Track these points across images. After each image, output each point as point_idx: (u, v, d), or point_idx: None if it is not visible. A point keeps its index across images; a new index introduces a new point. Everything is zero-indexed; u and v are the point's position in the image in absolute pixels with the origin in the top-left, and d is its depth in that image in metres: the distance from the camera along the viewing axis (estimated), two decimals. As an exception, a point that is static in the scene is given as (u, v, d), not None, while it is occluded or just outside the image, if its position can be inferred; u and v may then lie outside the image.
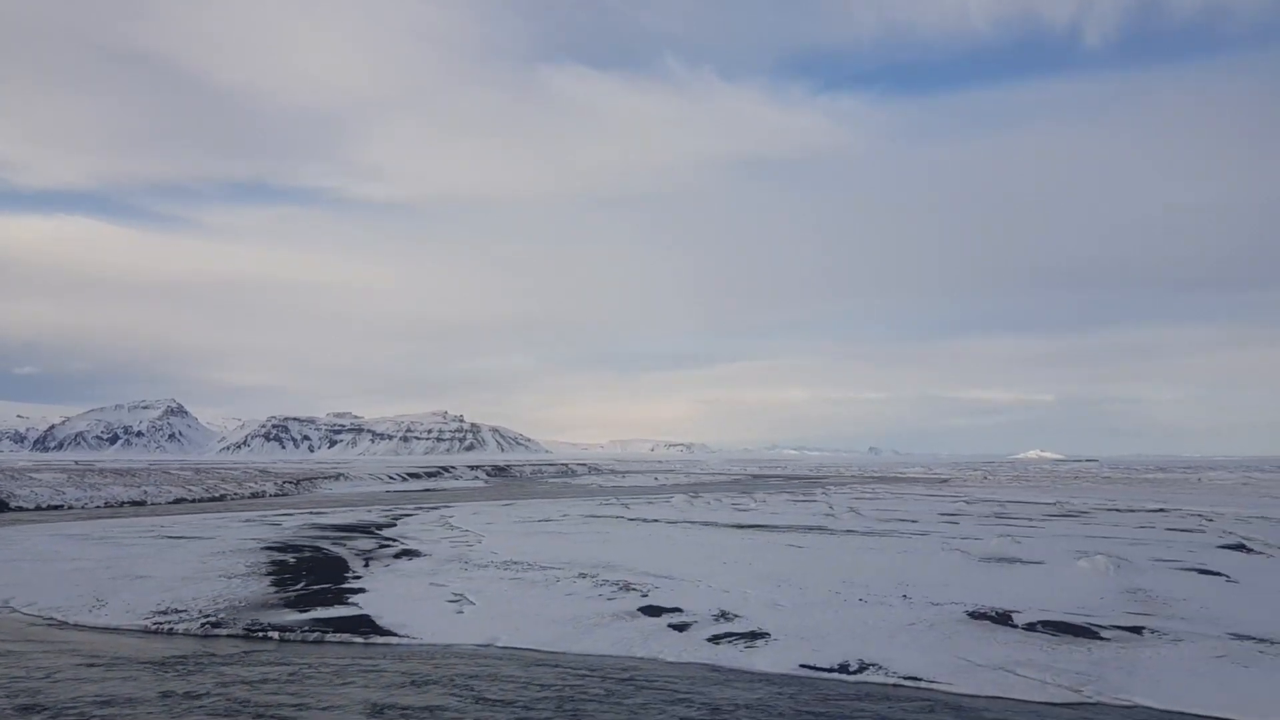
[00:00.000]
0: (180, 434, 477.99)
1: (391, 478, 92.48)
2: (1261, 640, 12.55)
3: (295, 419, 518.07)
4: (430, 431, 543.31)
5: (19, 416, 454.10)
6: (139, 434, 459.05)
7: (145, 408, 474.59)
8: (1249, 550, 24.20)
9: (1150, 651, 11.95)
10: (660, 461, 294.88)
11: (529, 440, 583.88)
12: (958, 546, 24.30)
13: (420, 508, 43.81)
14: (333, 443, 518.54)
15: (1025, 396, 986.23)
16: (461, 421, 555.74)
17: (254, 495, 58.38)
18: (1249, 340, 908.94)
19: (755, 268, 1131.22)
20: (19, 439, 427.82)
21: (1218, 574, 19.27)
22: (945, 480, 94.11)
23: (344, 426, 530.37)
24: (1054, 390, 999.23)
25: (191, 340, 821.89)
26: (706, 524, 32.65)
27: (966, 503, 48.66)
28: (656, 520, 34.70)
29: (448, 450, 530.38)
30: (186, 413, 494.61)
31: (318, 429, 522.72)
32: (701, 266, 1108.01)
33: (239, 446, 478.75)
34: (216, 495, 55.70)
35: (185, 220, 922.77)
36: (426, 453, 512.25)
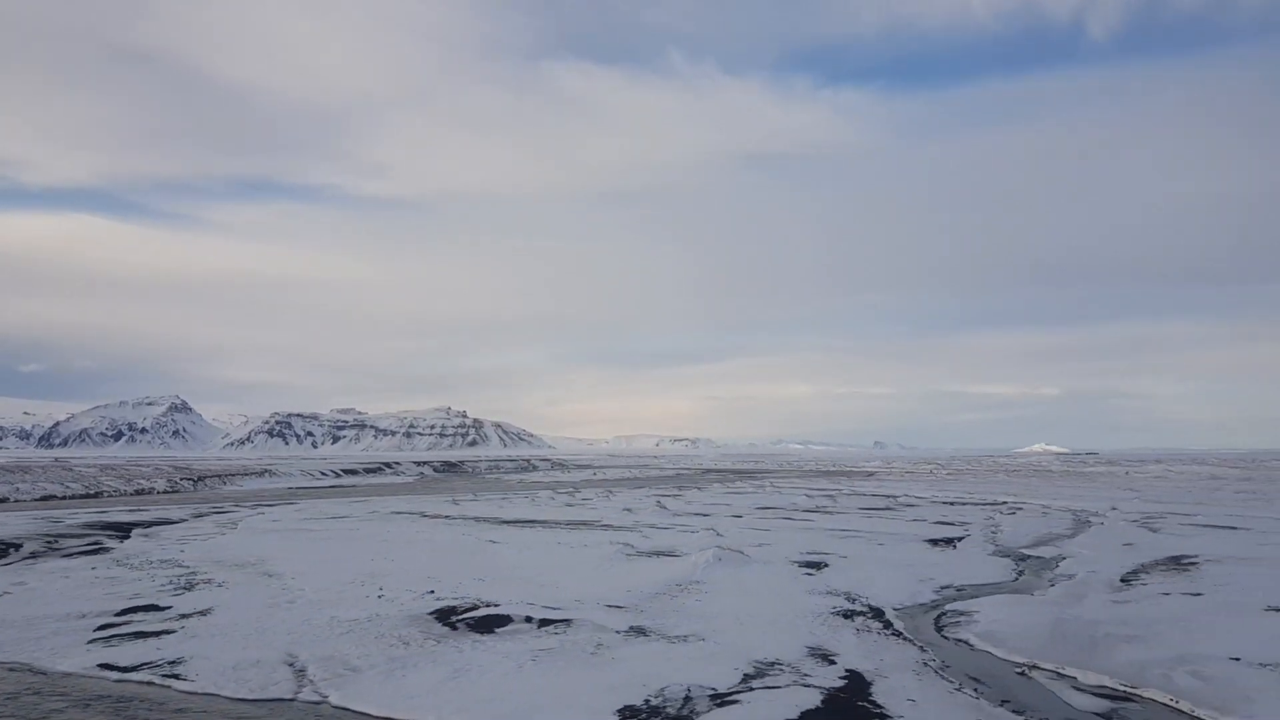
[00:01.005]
0: (184, 430, 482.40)
1: (324, 474, 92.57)
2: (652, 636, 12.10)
3: (298, 415, 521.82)
4: (433, 427, 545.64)
5: (25, 413, 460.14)
6: (143, 430, 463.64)
7: (149, 404, 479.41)
8: (944, 544, 23.49)
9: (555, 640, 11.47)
10: (655, 457, 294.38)
11: (532, 436, 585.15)
12: (630, 542, 23.79)
13: (265, 505, 43.68)
14: (336, 438, 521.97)
15: (1030, 391, 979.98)
16: (464, 417, 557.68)
17: (138, 493, 58.45)
18: (1255, 334, 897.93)
19: (760, 263, 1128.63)
20: (25, 435, 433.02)
21: (825, 562, 18.74)
22: (871, 474, 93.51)
23: (347, 422, 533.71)
24: (1059, 384, 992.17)
25: (197, 337, 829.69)
26: (527, 522, 32.40)
27: (829, 499, 48.10)
28: (478, 519, 34.51)
29: (450, 445, 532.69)
30: (191, 409, 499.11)
31: (321, 425, 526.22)
32: (706, 262, 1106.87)
33: (242, 443, 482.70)
34: (92, 492, 55.82)
35: (191, 218, 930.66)
36: (429, 448, 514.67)
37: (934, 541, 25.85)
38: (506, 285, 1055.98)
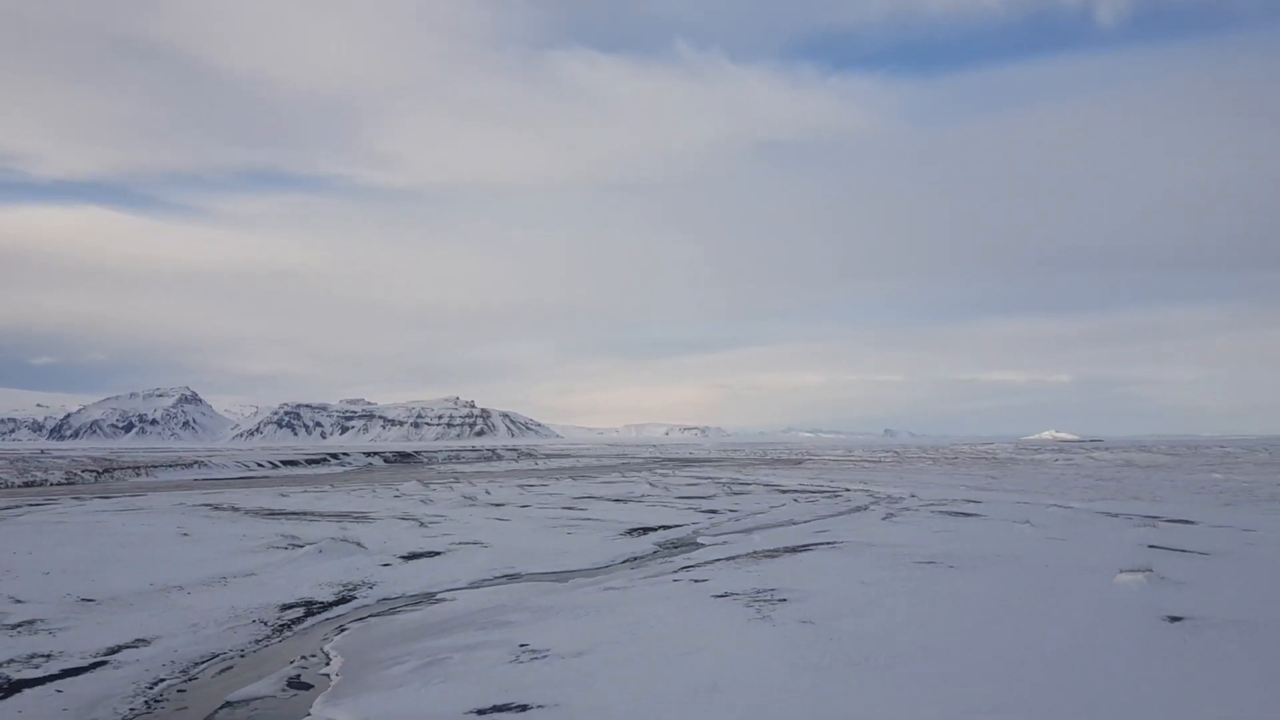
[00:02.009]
0: (194, 421, 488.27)
1: (260, 465, 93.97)
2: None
3: (307, 405, 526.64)
4: (441, 417, 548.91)
5: (38, 405, 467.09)
6: (153, 422, 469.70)
7: (160, 396, 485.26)
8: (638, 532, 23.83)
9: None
10: (654, 446, 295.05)
11: (540, 425, 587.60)
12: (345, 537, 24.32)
13: (117, 496, 44.61)
14: (344, 429, 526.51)
15: (1042, 378, 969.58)
16: (472, 407, 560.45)
17: (27, 485, 59.72)
18: (1267, 320, 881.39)
19: (768, 251, 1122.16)
20: (37, 428, 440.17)
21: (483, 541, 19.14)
22: (799, 462, 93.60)
23: (355, 413, 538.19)
24: (1070, 371, 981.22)
25: (208, 329, 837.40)
26: (315, 515, 33.01)
27: (663, 490, 48.35)
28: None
29: (458, 436, 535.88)
30: (201, 400, 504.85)
31: (329, 415, 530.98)
32: (715, 251, 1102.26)
33: (252, 433, 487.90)
34: (-23, 484, 57.10)
35: (200, 209, 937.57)
36: (437, 438, 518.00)
37: (631, 531, 26.26)
38: (516, 275, 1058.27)
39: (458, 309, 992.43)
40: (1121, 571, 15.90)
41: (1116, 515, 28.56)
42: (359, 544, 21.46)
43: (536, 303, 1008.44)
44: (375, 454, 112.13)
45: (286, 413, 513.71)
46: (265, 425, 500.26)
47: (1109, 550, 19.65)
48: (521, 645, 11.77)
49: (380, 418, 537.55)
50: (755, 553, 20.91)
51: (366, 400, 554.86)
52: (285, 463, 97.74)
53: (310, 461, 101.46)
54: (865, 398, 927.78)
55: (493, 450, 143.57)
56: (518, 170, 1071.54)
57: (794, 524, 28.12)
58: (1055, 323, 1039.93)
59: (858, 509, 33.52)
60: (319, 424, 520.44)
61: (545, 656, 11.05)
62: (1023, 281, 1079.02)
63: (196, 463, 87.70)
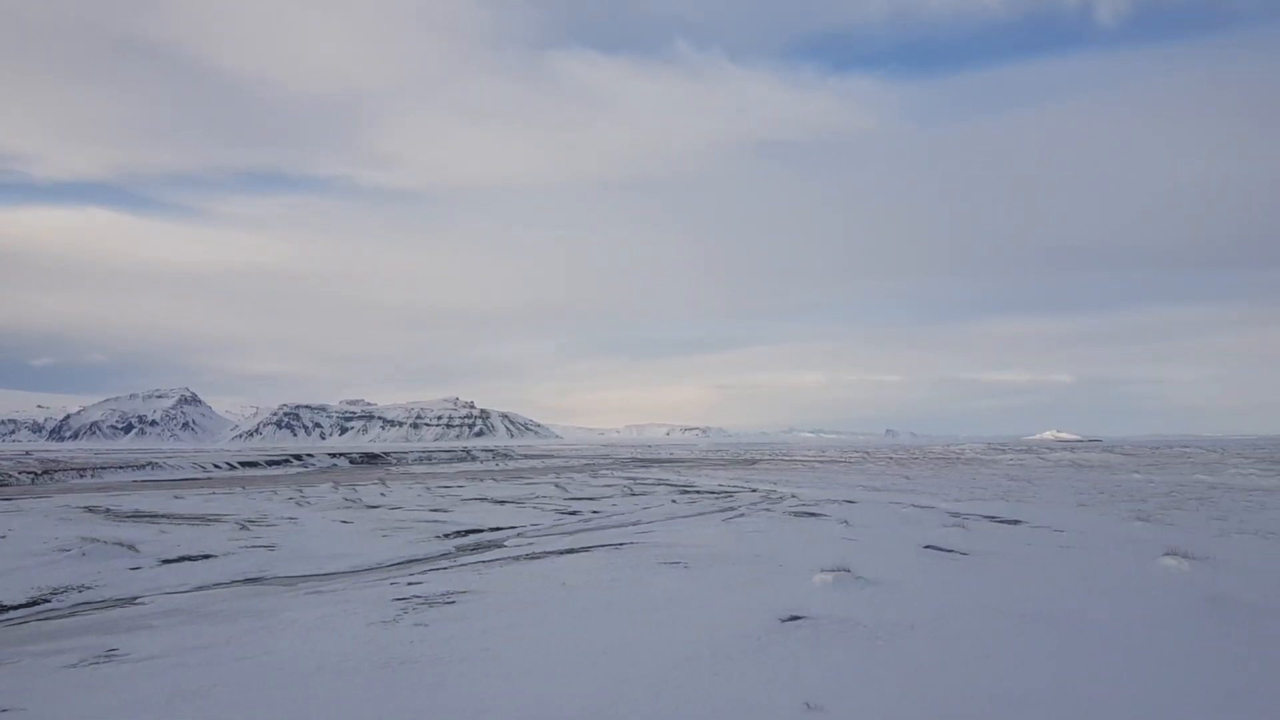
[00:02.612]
0: (194, 422, 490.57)
1: (217, 466, 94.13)
2: None
3: (307, 406, 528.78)
4: (440, 418, 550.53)
5: (39, 406, 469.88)
6: (153, 423, 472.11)
7: (160, 397, 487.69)
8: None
9: None
10: (646, 446, 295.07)
11: (539, 426, 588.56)
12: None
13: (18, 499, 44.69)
14: (344, 429, 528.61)
15: (1043, 377, 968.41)
16: (471, 408, 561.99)
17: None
18: (1270, 319, 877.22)
19: (770, 251, 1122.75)
20: (37, 429, 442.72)
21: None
22: (754, 462, 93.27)
23: (355, 413, 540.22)
24: (1073, 371, 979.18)
25: (208, 329, 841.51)
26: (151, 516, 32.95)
27: (635, 484, 48.18)
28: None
29: (457, 436, 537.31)
30: (200, 401, 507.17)
31: (329, 416, 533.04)
32: (716, 250, 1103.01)
33: (251, 434, 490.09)
34: (-95, 486, 57.28)
35: (200, 210, 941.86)
36: (436, 439, 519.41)
37: (450, 534, 26.11)
38: (516, 275, 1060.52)
39: (459, 309, 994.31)
40: (821, 571, 15.74)
41: (957, 515, 28.30)
42: (131, 546, 21.32)
43: (537, 303, 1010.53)
44: (341, 455, 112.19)
45: (286, 414, 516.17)
46: (264, 426, 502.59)
47: (866, 550, 19.46)
48: (110, 650, 11.63)
49: (380, 418, 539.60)
50: (532, 554, 20.74)
51: (366, 401, 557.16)
52: (244, 464, 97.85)
53: (271, 463, 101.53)
54: (867, 398, 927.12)
55: (467, 450, 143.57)
56: (518, 170, 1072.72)
57: (629, 526, 27.91)
58: (1057, 322, 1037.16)
59: (720, 510, 33.27)
60: (318, 425, 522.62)
61: (123, 660, 10.97)
62: (1024, 281, 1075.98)
63: (149, 464, 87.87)
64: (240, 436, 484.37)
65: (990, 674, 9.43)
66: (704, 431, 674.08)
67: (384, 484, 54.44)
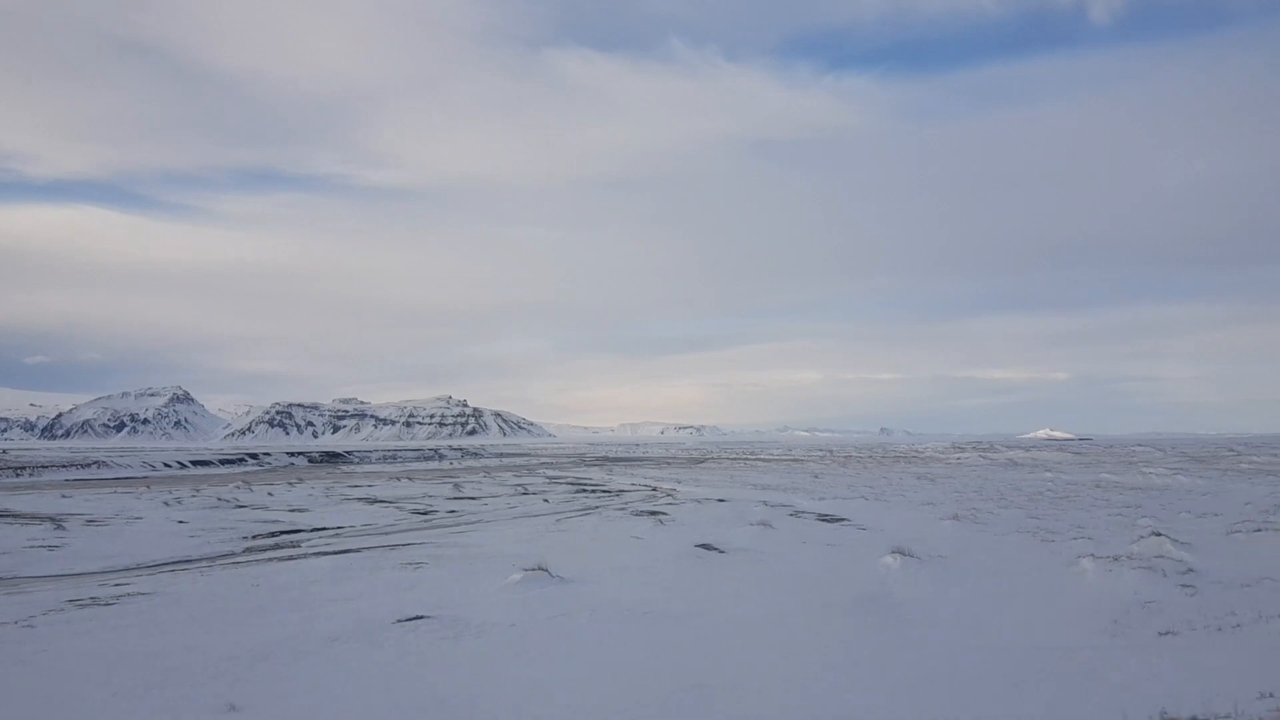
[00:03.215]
0: (186, 421, 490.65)
1: (167, 465, 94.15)
2: None
3: (299, 405, 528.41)
4: (433, 416, 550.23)
5: (32, 405, 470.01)
6: (145, 421, 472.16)
7: (152, 395, 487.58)
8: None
9: None
10: (630, 445, 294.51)
11: (532, 425, 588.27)
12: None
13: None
14: (336, 428, 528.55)
15: (1039, 375, 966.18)
16: (464, 406, 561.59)
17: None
18: (1266, 316, 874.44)
19: (766, 249, 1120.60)
20: (29, 427, 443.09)
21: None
22: (700, 462, 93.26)
23: (347, 412, 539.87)
24: (1068, 369, 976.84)
25: (203, 327, 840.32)
26: None
27: (546, 482, 48.22)
28: None
29: (450, 435, 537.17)
30: (193, 400, 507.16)
31: (321, 414, 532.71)
32: (712, 248, 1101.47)
33: (243, 433, 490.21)
34: None
35: (195, 208, 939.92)
36: (429, 437, 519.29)
37: (265, 534, 26.13)
38: (512, 273, 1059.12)
39: (454, 308, 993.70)
40: (521, 570, 15.77)
41: (800, 514, 28.30)
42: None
43: (533, 301, 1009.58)
44: (300, 454, 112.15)
45: (278, 412, 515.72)
46: (257, 425, 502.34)
47: (631, 550, 19.48)
48: None
49: (372, 417, 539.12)
50: (307, 554, 20.76)
51: (360, 400, 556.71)
52: (197, 463, 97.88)
53: (225, 462, 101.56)
54: (862, 396, 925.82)
55: (436, 450, 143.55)
56: (513, 168, 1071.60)
57: (455, 527, 27.99)
58: (1053, 321, 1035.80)
59: (577, 511, 33.30)
60: (310, 423, 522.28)
61: None
62: (1019, 279, 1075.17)
63: (95, 463, 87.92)
64: (232, 435, 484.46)
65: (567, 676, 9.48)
66: (698, 430, 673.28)
67: (294, 484, 54.46)
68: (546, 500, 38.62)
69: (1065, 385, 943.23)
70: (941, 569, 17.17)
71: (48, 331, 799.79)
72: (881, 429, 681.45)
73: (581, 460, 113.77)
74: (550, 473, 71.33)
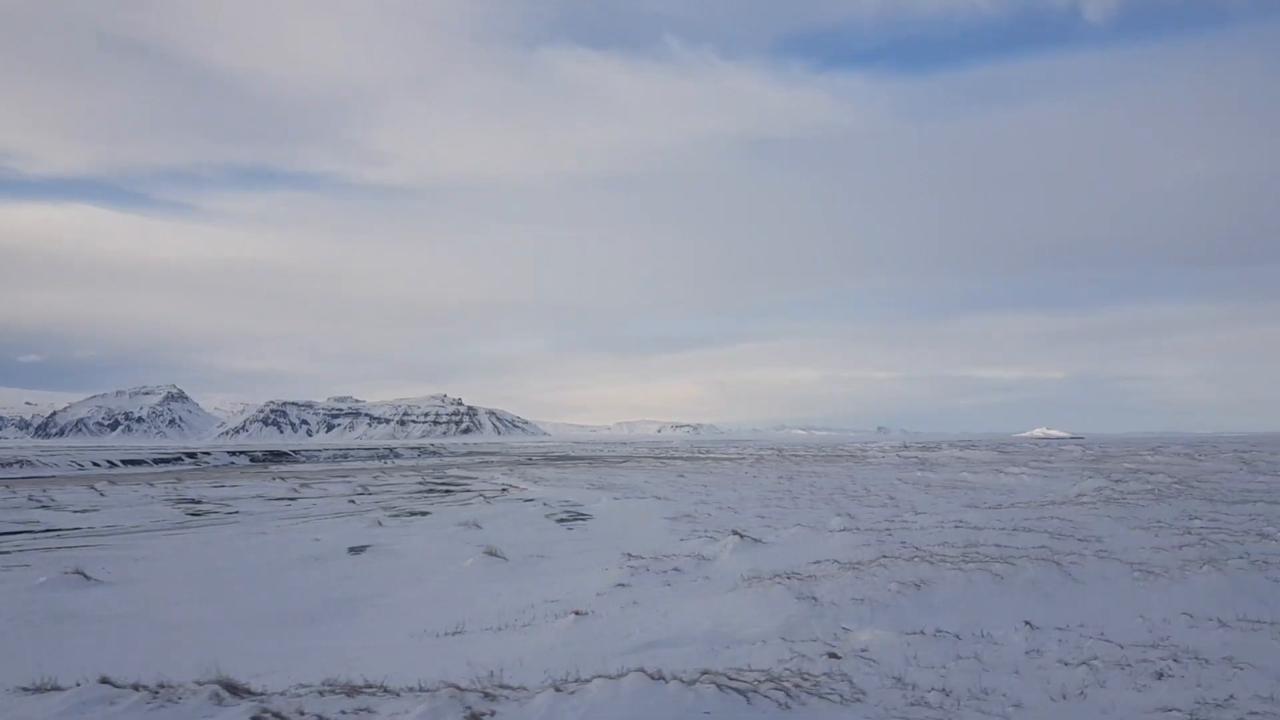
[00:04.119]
0: (180, 419, 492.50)
1: (96, 464, 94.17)
2: None
3: (293, 403, 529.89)
4: (427, 415, 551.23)
5: (27, 403, 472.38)
6: (139, 420, 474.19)
7: (146, 394, 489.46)
8: None
9: None
10: (621, 443, 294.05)
11: (527, 423, 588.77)
12: None
13: None
14: (330, 426, 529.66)
15: (1035, 374, 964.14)
16: (459, 404, 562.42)
17: None
18: (1262, 316, 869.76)
19: (762, 247, 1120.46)
20: (24, 426, 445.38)
21: None
22: (625, 460, 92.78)
23: (341, 410, 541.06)
24: (1064, 368, 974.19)
25: (199, 326, 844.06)
26: None
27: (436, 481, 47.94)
28: None
29: (444, 433, 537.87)
30: (187, 398, 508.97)
31: (315, 413, 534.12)
32: (708, 247, 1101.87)
33: (237, 431, 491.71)
34: None
35: (191, 207, 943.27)
36: (423, 435, 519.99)
37: None
38: (508, 272, 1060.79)
39: (451, 306, 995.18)
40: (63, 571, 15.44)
41: (553, 515, 27.98)
42: None
43: (530, 299, 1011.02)
44: (242, 453, 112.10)
45: (272, 410, 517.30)
46: (251, 423, 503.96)
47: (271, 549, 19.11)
48: None
49: (366, 415, 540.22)
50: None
51: (354, 398, 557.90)
52: (129, 462, 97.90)
53: (159, 461, 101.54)
54: (860, 394, 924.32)
55: (391, 450, 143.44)
56: (509, 166, 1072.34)
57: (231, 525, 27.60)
58: (1049, 319, 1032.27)
59: (380, 509, 32.90)
60: (305, 422, 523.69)
61: None
62: (1017, 278, 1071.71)
63: (19, 462, 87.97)
64: (226, 434, 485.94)
65: None
66: (695, 429, 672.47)
67: (153, 484, 54.27)
68: (352, 501, 38.25)
69: (1063, 384, 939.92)
70: (509, 569, 16.84)
71: (43, 329, 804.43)
72: (879, 428, 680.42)
73: (533, 460, 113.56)
74: (459, 473, 70.95)
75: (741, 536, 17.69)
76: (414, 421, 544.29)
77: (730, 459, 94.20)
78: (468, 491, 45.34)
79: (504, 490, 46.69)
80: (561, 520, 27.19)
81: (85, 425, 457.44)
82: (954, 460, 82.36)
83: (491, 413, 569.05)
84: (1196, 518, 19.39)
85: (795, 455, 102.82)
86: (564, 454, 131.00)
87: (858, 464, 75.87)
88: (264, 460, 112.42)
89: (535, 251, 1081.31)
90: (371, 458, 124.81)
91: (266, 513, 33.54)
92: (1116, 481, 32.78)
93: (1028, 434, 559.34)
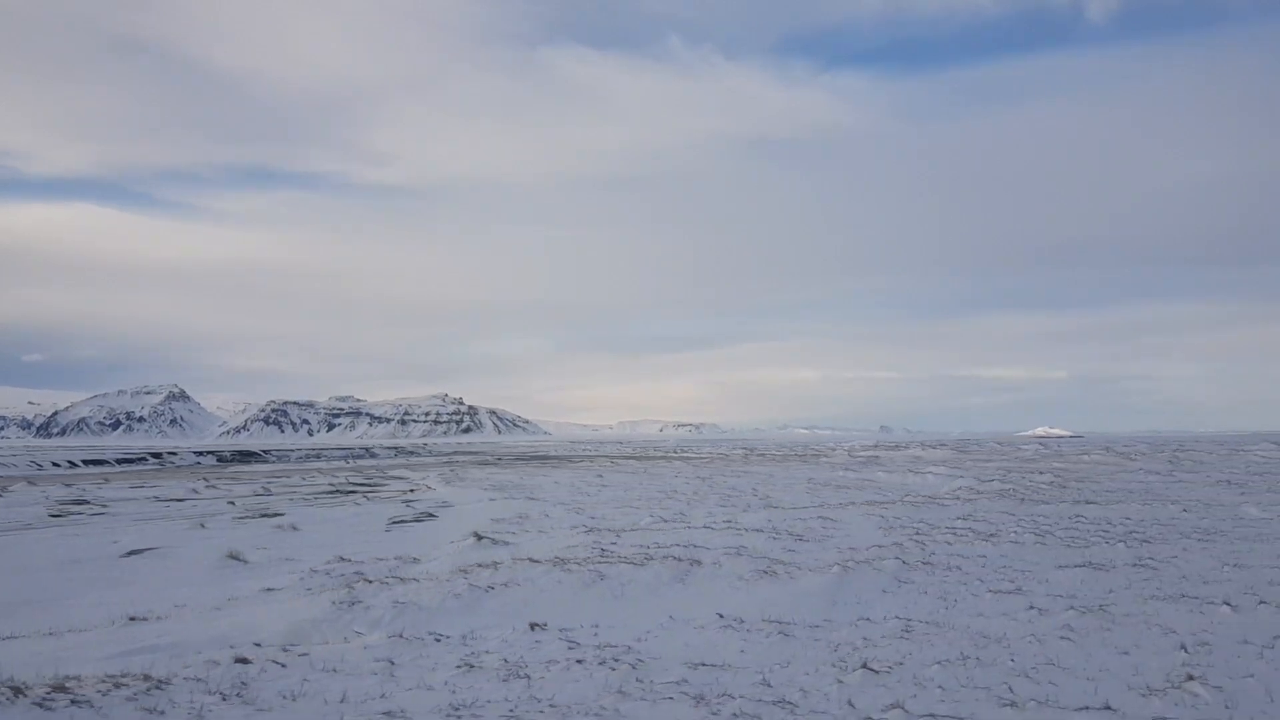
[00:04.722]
0: (182, 419, 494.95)
1: (56, 464, 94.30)
2: None
3: (294, 403, 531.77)
4: (428, 414, 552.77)
5: (30, 403, 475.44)
6: (140, 419, 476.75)
7: (148, 393, 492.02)
8: None
9: None
10: (615, 443, 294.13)
11: (527, 422, 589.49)
12: None
13: None
14: (331, 426, 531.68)
15: (1038, 374, 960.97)
16: (460, 404, 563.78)
17: None
18: (1266, 315, 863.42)
19: (764, 247, 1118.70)
20: (26, 425, 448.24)
21: None
22: (592, 459, 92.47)
23: (342, 410, 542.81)
24: (1067, 367, 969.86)
25: (200, 325, 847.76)
26: None
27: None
28: None
29: (445, 433, 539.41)
30: (189, 398, 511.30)
31: (316, 412, 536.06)
32: (709, 247, 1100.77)
33: (238, 431, 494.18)
34: None
35: (192, 206, 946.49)
36: (424, 435, 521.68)
37: None
38: (509, 272, 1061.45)
39: (452, 306, 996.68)
40: None
41: (402, 519, 27.73)
42: None
43: (531, 299, 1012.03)
44: (210, 452, 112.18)
45: (274, 410, 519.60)
46: (252, 423, 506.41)
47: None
48: None
49: (367, 415, 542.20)
50: None
51: (356, 398, 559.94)
52: (89, 462, 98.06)
53: (122, 461, 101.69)
54: (862, 394, 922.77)
55: (366, 449, 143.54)
56: (510, 166, 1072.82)
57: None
58: (1052, 319, 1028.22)
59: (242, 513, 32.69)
60: (306, 421, 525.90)
61: None
62: (1018, 278, 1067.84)
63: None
64: (227, 433, 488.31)
65: None
66: (697, 428, 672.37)
67: (69, 485, 54.26)
68: (239, 500, 38.03)
69: (1067, 384, 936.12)
70: (234, 571, 16.53)
71: (45, 329, 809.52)
72: (881, 427, 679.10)
73: (496, 460, 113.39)
74: (403, 473, 70.77)
75: (480, 538, 17.40)
76: (415, 421, 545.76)
77: (687, 458, 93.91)
78: (373, 492, 45.08)
79: (411, 491, 46.44)
80: (401, 522, 26.88)
81: (87, 425, 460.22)
82: (907, 460, 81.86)
83: (492, 412, 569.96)
84: (980, 519, 18.89)
85: (765, 455, 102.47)
86: (536, 454, 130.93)
87: (804, 463, 75.43)
88: (231, 460, 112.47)
89: (537, 251, 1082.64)
90: (347, 457, 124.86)
91: (140, 514, 33.30)
92: (986, 481, 32.36)
93: (1030, 433, 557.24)
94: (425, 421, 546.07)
